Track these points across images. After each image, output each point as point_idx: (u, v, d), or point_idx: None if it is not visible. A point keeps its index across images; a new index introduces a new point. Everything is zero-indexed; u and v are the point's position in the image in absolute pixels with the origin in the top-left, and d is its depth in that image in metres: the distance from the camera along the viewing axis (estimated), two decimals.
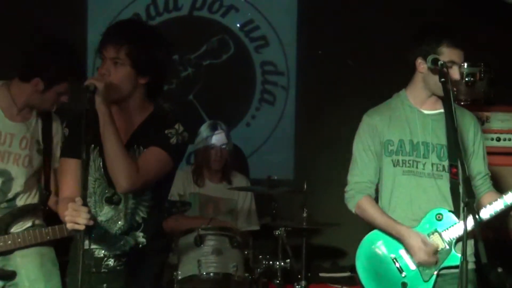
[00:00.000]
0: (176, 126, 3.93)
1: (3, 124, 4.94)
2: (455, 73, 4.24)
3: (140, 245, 4.01)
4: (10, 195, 4.98)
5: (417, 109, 4.42)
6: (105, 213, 3.92)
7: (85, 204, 3.56)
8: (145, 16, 7.12)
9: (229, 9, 7.09)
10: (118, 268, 3.98)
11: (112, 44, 3.86)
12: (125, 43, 3.84)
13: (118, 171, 3.82)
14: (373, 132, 4.46)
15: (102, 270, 3.88)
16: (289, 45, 7.06)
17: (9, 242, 4.92)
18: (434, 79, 4.25)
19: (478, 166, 4.38)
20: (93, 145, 3.93)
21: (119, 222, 3.97)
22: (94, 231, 3.81)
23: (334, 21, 6.85)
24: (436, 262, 4.29)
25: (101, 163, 3.98)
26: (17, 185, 4.96)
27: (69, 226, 3.56)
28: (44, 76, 4.77)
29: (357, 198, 4.45)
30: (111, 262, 3.96)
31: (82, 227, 3.50)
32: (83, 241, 3.58)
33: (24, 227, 4.92)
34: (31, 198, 4.99)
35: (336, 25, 6.82)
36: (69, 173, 3.99)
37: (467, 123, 4.41)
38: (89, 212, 3.57)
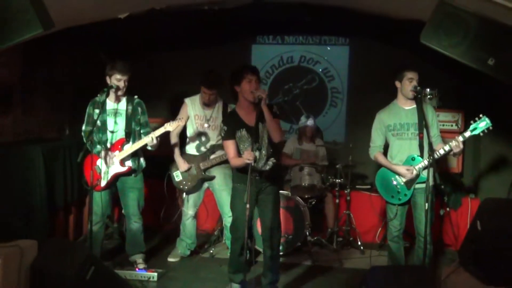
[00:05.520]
0: (275, 107, 4.05)
1: (201, 110, 5.04)
2: (412, 84, 4.27)
3: (274, 163, 4.15)
4: (209, 145, 5.06)
5: (402, 107, 4.38)
6: (257, 154, 4.00)
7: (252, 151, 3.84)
8: (278, 65, 6.99)
9: (317, 62, 6.91)
10: (266, 172, 4.11)
11: (257, 74, 4.03)
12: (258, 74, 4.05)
13: (276, 133, 3.98)
14: (380, 121, 4.47)
15: (260, 176, 4.04)
16: (343, 79, 6.90)
17: (209, 163, 5.01)
18: (404, 88, 4.32)
19: (433, 131, 4.30)
20: (242, 129, 4.08)
21: (264, 156, 4.08)
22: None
23: (367, 66, 6.72)
24: (416, 177, 4.24)
25: (249, 136, 4.05)
26: (212, 139, 5.05)
27: (245, 160, 3.81)
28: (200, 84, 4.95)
29: (374, 153, 4.50)
30: (264, 170, 4.12)
31: (251, 161, 3.78)
32: (253, 165, 3.82)
33: (217, 156, 5.00)
34: (223, 149, 4.85)
35: (368, 69, 6.70)
36: (231, 146, 4.08)
37: (428, 111, 4.33)
38: (254, 156, 3.84)
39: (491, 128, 4.08)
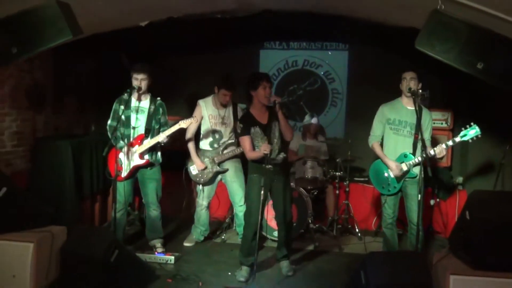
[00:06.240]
0: (284, 109, 4.16)
1: (215, 110, 4.99)
2: (409, 84, 4.29)
3: (284, 157, 4.26)
4: (222, 141, 5.04)
5: (405, 106, 4.38)
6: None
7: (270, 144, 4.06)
8: (283, 68, 6.90)
9: (319, 66, 6.81)
10: (277, 164, 4.17)
11: (271, 81, 4.18)
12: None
13: (288, 132, 4.16)
14: (382, 114, 4.46)
15: (273, 167, 4.07)
16: (343, 81, 6.82)
17: (222, 157, 4.99)
18: (403, 89, 4.34)
19: (426, 135, 4.30)
20: (256, 126, 4.18)
21: (276, 149, 4.17)
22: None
23: (364, 70, 6.63)
24: (403, 175, 4.26)
25: (263, 133, 4.15)
26: (225, 137, 5.03)
27: (262, 152, 3.97)
28: (217, 86, 4.90)
29: (372, 142, 4.48)
30: (276, 162, 4.19)
31: (268, 152, 3.96)
32: (268, 156, 3.98)
33: (230, 151, 4.99)
34: (234, 145, 5.02)
35: (365, 72, 6.61)
36: (247, 141, 4.18)
37: (425, 115, 4.35)
38: (271, 148, 4.02)
39: (479, 136, 4.04)
